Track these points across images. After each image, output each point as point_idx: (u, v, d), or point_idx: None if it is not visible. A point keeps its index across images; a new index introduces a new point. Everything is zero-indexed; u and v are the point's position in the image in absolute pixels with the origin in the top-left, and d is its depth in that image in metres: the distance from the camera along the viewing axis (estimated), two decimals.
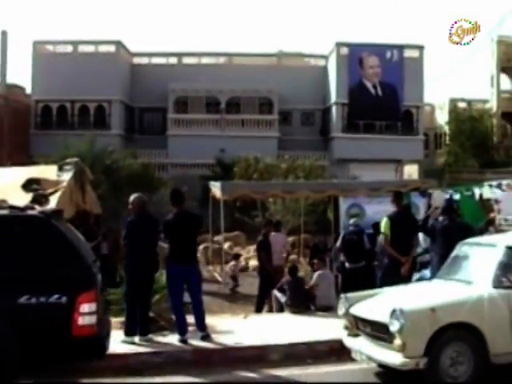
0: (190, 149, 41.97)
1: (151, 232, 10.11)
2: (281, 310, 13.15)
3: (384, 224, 11.12)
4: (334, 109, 45.23)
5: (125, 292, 10.23)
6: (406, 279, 10.13)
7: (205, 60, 48.13)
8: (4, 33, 43.19)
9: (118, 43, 45.30)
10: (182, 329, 9.99)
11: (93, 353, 7.34)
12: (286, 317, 12.37)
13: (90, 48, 45.00)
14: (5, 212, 7.56)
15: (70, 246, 7.33)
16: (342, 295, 9.13)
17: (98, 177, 27.39)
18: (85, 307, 7.00)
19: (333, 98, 45.26)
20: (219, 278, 19.26)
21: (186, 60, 47.94)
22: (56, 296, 6.87)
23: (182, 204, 10.40)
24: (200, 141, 42.57)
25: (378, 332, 8.03)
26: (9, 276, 6.92)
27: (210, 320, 11.29)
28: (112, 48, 44.94)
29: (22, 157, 32.98)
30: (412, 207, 18.52)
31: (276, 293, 13.34)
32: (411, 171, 47.22)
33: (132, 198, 10.39)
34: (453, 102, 52.24)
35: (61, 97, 43.64)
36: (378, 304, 8.44)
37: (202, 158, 41.12)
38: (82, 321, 6.97)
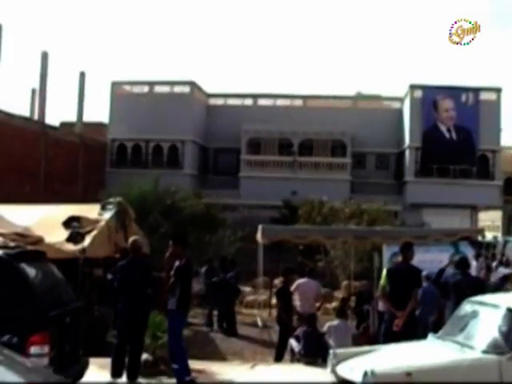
0: (262, 190, 41.91)
1: (141, 276, 9.93)
2: (297, 359, 12.67)
3: (383, 276, 10.58)
4: (407, 152, 44.27)
5: (116, 334, 10.09)
6: (407, 335, 9.40)
7: (280, 102, 48.28)
8: (82, 74, 44.75)
9: (193, 84, 45.97)
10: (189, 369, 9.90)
11: None
12: (297, 368, 11.86)
13: (166, 88, 45.89)
14: None
15: (27, 288, 7.27)
16: (331, 351, 8.67)
17: (156, 216, 27.51)
18: (35, 348, 6.97)
19: (407, 141, 44.33)
20: (259, 323, 18.84)
21: (261, 102, 48.21)
22: (7, 336, 6.79)
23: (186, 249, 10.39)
24: (272, 182, 42.55)
25: None
26: None
27: (216, 367, 11.00)
28: (187, 89, 45.59)
29: (96, 193, 33.41)
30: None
31: (292, 342, 12.87)
32: (494, 217, 45.57)
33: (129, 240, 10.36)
34: None
35: (136, 136, 44.50)
36: (359, 363, 7.93)
37: (274, 200, 40.81)
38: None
